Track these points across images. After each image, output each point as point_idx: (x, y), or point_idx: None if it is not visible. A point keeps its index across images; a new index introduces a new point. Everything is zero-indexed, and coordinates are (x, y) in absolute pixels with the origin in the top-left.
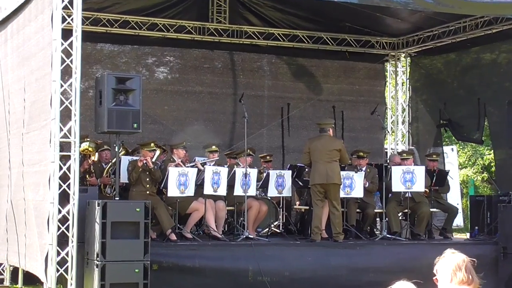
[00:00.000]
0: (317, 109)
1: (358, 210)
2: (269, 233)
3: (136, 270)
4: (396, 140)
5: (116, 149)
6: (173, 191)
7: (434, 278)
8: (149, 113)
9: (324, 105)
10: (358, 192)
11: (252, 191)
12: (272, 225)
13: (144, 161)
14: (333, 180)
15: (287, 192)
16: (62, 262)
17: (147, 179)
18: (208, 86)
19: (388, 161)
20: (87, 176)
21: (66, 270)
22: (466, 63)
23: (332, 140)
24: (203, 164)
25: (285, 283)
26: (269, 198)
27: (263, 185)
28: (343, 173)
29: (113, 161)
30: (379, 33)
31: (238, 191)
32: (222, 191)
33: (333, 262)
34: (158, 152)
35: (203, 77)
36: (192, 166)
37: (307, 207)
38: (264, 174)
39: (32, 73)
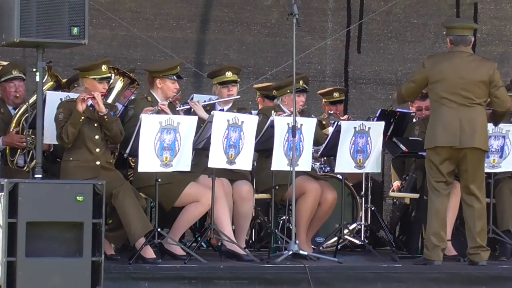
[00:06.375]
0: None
1: None
2: (338, 247)
3: None
4: None
5: (37, 79)
6: (148, 161)
7: None
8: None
9: None
10: None
11: (306, 163)
12: (346, 231)
13: (89, 101)
14: (473, 141)
15: (373, 165)
16: None
17: (96, 137)
18: None
19: None
20: None
21: None
22: None
23: (477, 62)
24: (208, 108)
25: None
26: (340, 178)
27: (328, 151)
28: (490, 127)
29: (30, 101)
30: None
31: (279, 162)
32: (246, 162)
33: None
34: (119, 83)
35: None
36: (186, 111)
37: (416, 196)
38: (330, 129)
39: None
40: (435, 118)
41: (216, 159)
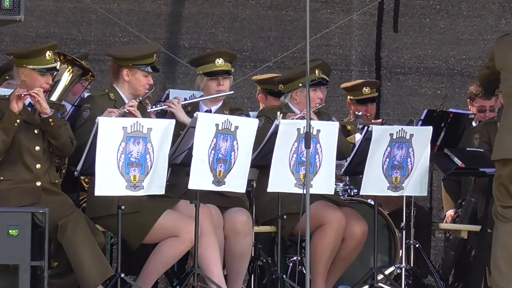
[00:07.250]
0: None
1: None
2: None
3: None
4: None
5: None
6: (109, 181)
7: None
8: None
9: None
10: None
11: (324, 184)
12: (381, 276)
13: (27, 99)
14: None
15: (415, 186)
16: None
17: (37, 149)
18: None
19: None
20: None
21: None
22: None
23: None
24: (189, 108)
25: None
26: (371, 204)
27: (355, 168)
28: None
29: None
30: None
31: (281, 181)
32: (239, 182)
33: None
34: (66, 75)
35: None
36: (159, 113)
37: (477, 228)
38: (357, 136)
39: None
40: (504, 120)
41: (199, 178)
